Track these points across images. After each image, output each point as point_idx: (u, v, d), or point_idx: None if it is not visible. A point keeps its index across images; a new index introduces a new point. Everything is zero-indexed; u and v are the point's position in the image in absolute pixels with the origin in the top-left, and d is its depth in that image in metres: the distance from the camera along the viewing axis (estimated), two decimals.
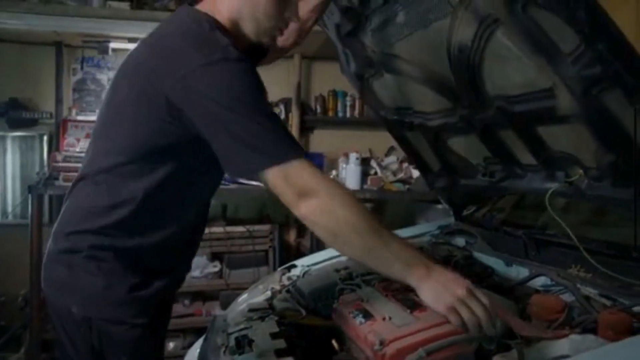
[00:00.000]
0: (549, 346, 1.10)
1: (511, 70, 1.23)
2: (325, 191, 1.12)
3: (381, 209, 4.31)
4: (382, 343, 1.10)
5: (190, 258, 1.52)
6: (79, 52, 3.96)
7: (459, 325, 1.09)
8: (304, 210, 1.12)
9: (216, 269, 3.69)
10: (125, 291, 1.27)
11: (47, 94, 3.94)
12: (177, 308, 3.51)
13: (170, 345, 3.46)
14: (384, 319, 1.21)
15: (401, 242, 1.18)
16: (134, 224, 1.28)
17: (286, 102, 4.20)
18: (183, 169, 1.27)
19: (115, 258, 1.27)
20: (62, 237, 1.31)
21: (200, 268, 3.63)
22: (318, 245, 3.60)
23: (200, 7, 1.29)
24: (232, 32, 1.26)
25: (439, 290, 1.11)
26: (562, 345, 1.09)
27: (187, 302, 3.66)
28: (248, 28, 1.27)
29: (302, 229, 4.15)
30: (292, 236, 4.17)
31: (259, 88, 1.16)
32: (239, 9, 1.25)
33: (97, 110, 1.47)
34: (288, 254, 3.98)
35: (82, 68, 3.99)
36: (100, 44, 3.60)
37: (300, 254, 3.64)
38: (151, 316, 1.31)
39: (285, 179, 1.11)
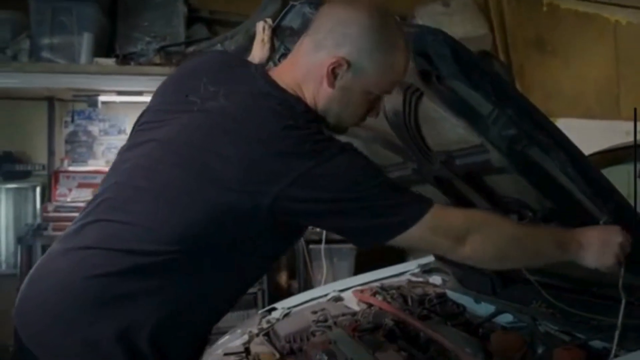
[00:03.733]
0: None
1: (445, 129, 1.30)
2: (475, 224, 1.13)
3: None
4: None
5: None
6: (70, 105, 4.08)
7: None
8: (468, 251, 1.12)
9: None
10: None
11: (40, 146, 4.03)
12: None
13: None
14: (346, 359, 1.27)
15: (546, 231, 1.23)
16: None
17: None
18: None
19: None
20: None
21: None
22: (306, 286, 3.63)
23: (278, 77, 1.18)
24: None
25: (598, 253, 1.16)
26: None
27: None
28: (329, 119, 1.19)
29: (293, 271, 4.18)
30: (283, 278, 4.19)
31: (367, 163, 1.12)
32: (328, 104, 1.17)
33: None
34: (278, 296, 3.99)
35: (73, 121, 4.10)
36: (90, 98, 3.73)
37: (290, 296, 3.65)
38: None
39: (434, 231, 1.10)
